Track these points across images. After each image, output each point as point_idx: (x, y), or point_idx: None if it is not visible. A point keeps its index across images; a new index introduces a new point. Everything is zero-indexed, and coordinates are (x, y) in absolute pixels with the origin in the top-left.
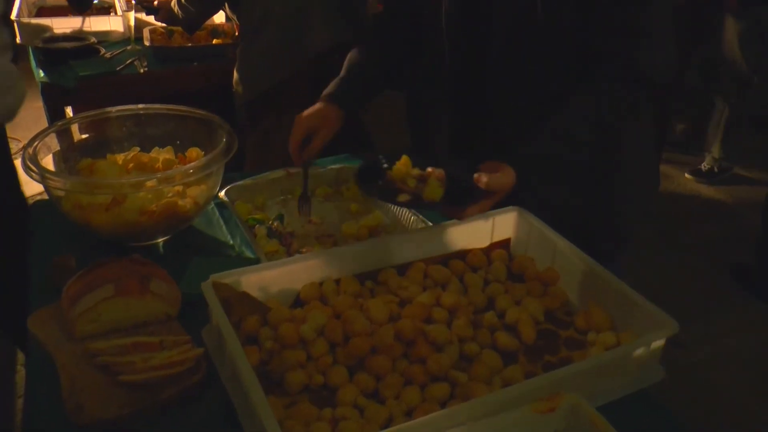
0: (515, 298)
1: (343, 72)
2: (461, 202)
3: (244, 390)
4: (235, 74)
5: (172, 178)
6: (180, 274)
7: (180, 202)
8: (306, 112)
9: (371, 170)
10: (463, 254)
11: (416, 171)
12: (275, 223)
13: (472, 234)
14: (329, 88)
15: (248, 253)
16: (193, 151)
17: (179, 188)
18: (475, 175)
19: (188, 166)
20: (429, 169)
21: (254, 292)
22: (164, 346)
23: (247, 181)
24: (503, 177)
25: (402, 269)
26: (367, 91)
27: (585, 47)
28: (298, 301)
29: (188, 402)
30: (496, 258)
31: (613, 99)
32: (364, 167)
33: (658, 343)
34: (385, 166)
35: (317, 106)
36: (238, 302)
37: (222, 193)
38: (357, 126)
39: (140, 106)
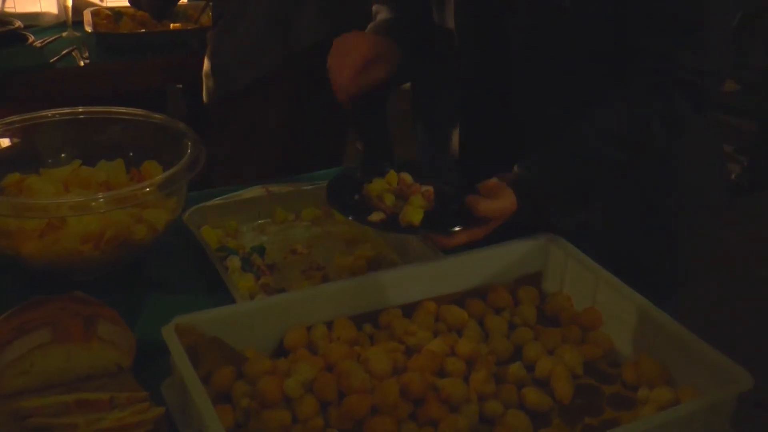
0: (548, 347)
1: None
2: (446, 227)
3: None
4: (206, 63)
5: (124, 198)
6: (134, 316)
7: (133, 228)
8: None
9: (346, 184)
10: (483, 292)
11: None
12: (253, 255)
13: (493, 267)
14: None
15: (219, 291)
16: (150, 165)
17: (133, 211)
18: (468, 198)
19: (144, 183)
20: (412, 184)
21: (227, 339)
22: (115, 405)
23: (217, 201)
24: (501, 202)
25: (408, 310)
26: (414, 32)
27: (620, 43)
28: (281, 350)
29: None
30: (524, 296)
31: (643, 112)
32: (336, 180)
33: (729, 401)
34: (360, 179)
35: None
36: (207, 351)
37: (186, 216)
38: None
39: (81, 108)
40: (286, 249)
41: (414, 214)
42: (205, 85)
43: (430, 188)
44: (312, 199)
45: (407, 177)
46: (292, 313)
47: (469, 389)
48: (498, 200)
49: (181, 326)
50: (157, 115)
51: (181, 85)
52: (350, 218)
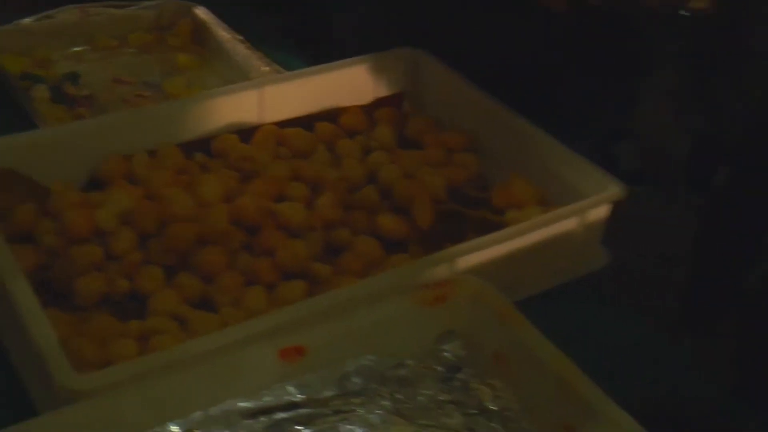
0: (406, 170)
1: None
2: None
3: (13, 307)
4: None
5: None
6: None
7: None
8: None
9: None
10: (333, 114)
11: None
12: (65, 84)
13: (346, 87)
14: None
15: (24, 127)
16: None
17: None
18: None
19: None
20: None
21: (27, 171)
22: None
23: (21, 23)
24: None
25: (246, 135)
26: None
27: None
28: (95, 182)
29: None
30: (382, 119)
31: None
32: None
33: (598, 212)
34: None
35: None
36: (1, 185)
37: None
38: None
39: None
40: (108, 78)
41: None
42: None
43: None
44: (141, 22)
45: None
46: (107, 139)
47: (314, 215)
48: None
49: None
50: None
51: None
52: None
